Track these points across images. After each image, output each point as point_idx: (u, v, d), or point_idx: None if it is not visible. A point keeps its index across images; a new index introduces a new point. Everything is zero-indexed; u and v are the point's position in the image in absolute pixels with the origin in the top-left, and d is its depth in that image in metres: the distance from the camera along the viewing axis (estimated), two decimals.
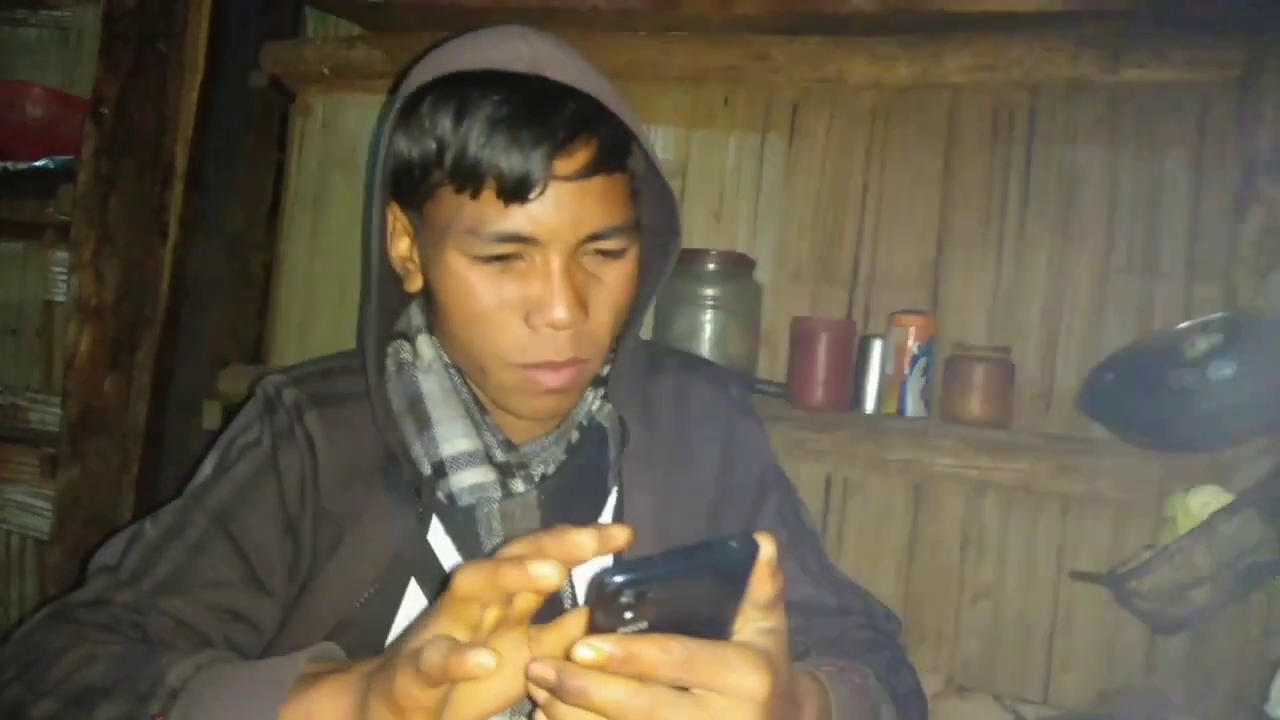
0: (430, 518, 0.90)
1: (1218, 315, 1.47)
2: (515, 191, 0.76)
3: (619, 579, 0.50)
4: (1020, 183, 1.66)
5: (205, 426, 1.89)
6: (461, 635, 0.57)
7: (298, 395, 0.92)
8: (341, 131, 2.00)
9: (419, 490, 0.90)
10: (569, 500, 0.89)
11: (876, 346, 1.61)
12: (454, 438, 0.87)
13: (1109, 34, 1.56)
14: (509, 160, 0.75)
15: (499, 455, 0.88)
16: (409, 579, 0.90)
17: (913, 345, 1.56)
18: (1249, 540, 1.09)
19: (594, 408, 0.92)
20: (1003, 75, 1.64)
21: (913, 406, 1.56)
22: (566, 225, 0.78)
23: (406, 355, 0.91)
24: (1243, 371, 1.43)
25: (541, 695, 0.55)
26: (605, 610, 0.51)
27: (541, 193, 0.76)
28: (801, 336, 1.59)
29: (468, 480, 0.86)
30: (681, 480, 0.95)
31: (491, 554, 0.84)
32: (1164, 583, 1.13)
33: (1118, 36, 1.56)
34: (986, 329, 1.64)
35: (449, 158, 0.78)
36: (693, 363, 1.05)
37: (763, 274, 1.70)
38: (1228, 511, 1.10)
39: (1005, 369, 1.54)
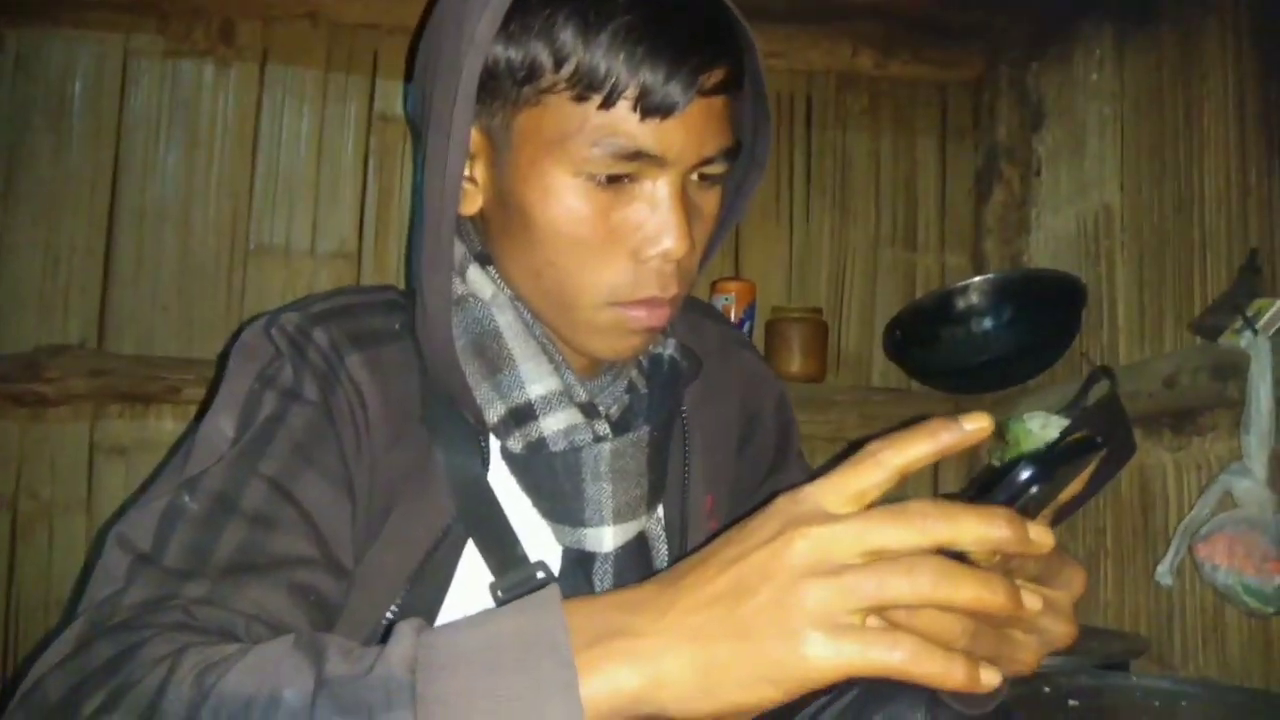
0: (488, 467, 0.81)
1: (977, 279, 1.73)
2: (659, 106, 0.69)
3: (1031, 472, 0.52)
4: (804, 162, 1.82)
5: None
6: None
7: (331, 335, 0.77)
8: (44, 73, 1.65)
9: (480, 438, 0.80)
10: (662, 436, 0.84)
11: None
12: (542, 377, 0.78)
13: (879, 34, 1.78)
14: (654, 71, 0.69)
15: (580, 394, 0.80)
16: (466, 540, 0.79)
17: (737, 309, 1.64)
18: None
19: (653, 344, 0.87)
20: (785, 63, 1.80)
21: None
22: (692, 146, 0.71)
23: (461, 288, 0.80)
24: (1000, 326, 1.71)
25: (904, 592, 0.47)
26: (1009, 502, 0.51)
27: (682, 109, 0.72)
28: None
29: (561, 423, 0.77)
30: (717, 412, 0.94)
31: (582, 500, 0.77)
32: None
33: (887, 37, 1.78)
34: (783, 293, 1.78)
35: (573, 63, 0.69)
36: (692, 300, 1.03)
37: None
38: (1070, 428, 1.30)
39: (820, 329, 1.68)
